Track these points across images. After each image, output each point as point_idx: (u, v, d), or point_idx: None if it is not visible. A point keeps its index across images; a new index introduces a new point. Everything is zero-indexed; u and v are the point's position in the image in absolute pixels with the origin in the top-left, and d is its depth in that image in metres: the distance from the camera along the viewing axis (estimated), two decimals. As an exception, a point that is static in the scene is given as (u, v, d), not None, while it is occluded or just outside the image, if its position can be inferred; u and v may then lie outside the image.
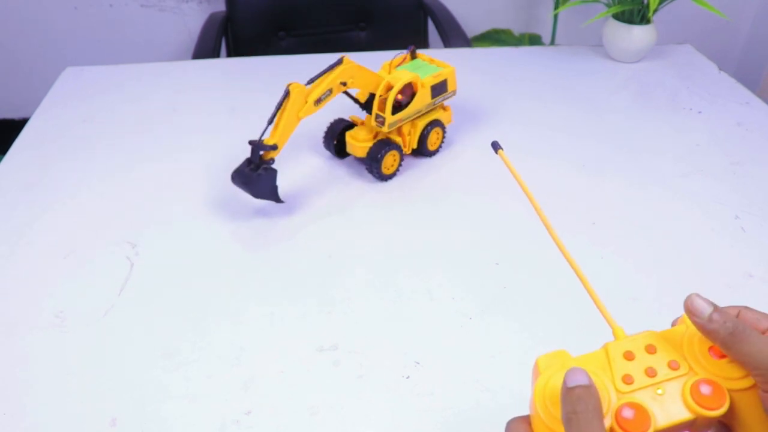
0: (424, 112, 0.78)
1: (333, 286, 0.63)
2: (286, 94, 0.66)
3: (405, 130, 0.78)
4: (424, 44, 1.61)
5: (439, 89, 0.79)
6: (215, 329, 0.59)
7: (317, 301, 0.61)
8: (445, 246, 0.68)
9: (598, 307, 0.33)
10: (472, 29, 1.82)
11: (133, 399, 0.52)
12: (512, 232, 0.70)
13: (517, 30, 1.86)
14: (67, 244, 0.69)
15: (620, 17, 1.06)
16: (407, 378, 0.54)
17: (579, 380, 0.28)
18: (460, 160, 0.83)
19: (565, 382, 0.28)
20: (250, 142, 0.67)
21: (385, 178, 0.78)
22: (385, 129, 0.74)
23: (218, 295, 0.62)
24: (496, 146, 0.40)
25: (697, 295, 0.30)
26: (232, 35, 1.50)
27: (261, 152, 0.67)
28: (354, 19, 1.55)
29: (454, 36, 1.38)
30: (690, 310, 0.30)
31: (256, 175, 0.67)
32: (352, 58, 1.13)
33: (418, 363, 0.55)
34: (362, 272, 0.65)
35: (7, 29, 1.80)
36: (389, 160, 0.77)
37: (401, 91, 0.74)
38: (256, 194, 0.69)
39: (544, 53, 1.14)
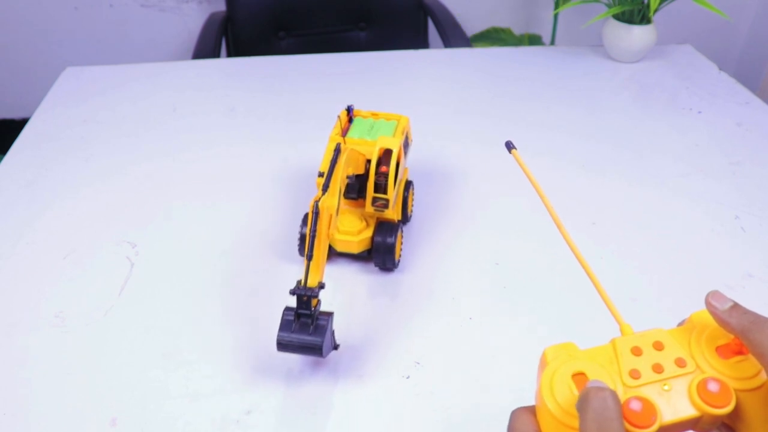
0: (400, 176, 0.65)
1: (333, 286, 0.63)
2: (317, 214, 0.50)
3: (390, 208, 0.62)
4: (424, 44, 1.61)
5: (406, 145, 0.66)
6: (215, 329, 0.59)
7: (317, 301, 0.61)
8: (445, 246, 0.68)
9: (607, 305, 0.33)
10: (472, 29, 1.82)
11: (133, 399, 0.52)
12: (512, 232, 0.70)
13: (517, 30, 1.86)
14: (67, 244, 0.69)
15: (620, 17, 1.06)
16: (407, 378, 0.54)
17: (603, 404, 0.26)
18: (459, 160, 0.83)
19: (588, 400, 0.27)
20: (293, 292, 0.49)
21: (397, 265, 0.64)
22: (390, 210, 0.61)
23: (218, 295, 0.62)
24: (509, 146, 0.41)
25: (718, 291, 0.31)
26: (232, 35, 1.50)
27: (310, 299, 0.50)
28: (354, 19, 1.56)
29: (454, 36, 1.39)
30: (711, 303, 0.31)
31: (319, 328, 0.50)
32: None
33: (418, 363, 0.55)
34: (362, 272, 0.65)
35: (7, 29, 1.81)
36: (399, 243, 0.64)
37: (384, 162, 0.60)
38: (326, 352, 0.50)
39: (544, 53, 1.14)
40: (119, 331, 0.59)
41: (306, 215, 0.63)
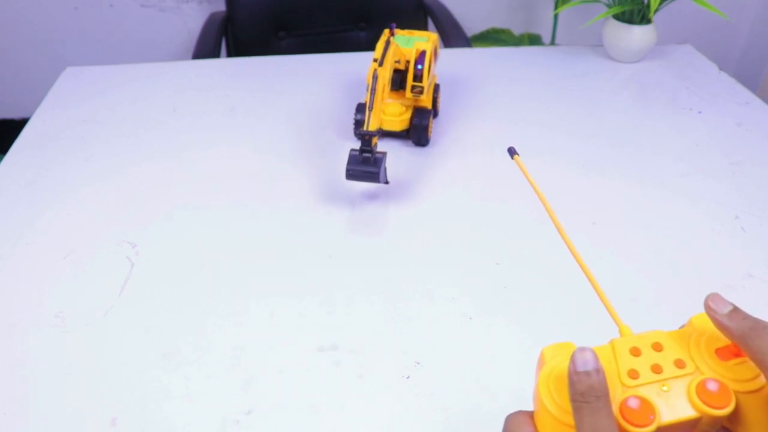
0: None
1: (333, 286, 0.63)
2: (376, 78, 0.70)
3: (424, 95, 0.84)
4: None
5: (435, 54, 0.86)
6: (215, 329, 0.59)
7: (317, 301, 0.61)
8: (446, 246, 0.68)
9: (606, 307, 0.33)
10: (471, 29, 1.82)
11: (133, 399, 0.52)
12: (512, 232, 0.70)
13: (516, 30, 1.86)
14: (67, 244, 0.69)
15: (620, 17, 1.06)
16: (407, 378, 0.54)
17: (588, 364, 0.27)
18: (460, 160, 0.83)
19: (573, 363, 0.28)
20: (360, 133, 0.67)
21: (428, 141, 0.85)
22: (425, 96, 0.81)
23: (218, 295, 0.62)
24: (512, 152, 0.41)
25: (718, 294, 0.31)
26: (232, 35, 1.50)
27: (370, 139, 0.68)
28: (354, 19, 1.55)
29: (454, 36, 1.39)
30: (710, 306, 0.30)
31: (378, 160, 0.67)
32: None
33: (418, 363, 0.55)
34: (362, 272, 0.65)
35: (7, 29, 1.81)
36: (430, 126, 0.84)
37: (418, 61, 0.80)
38: (382, 180, 0.69)
39: (544, 53, 1.14)
40: (119, 331, 0.59)
41: (358, 104, 0.84)
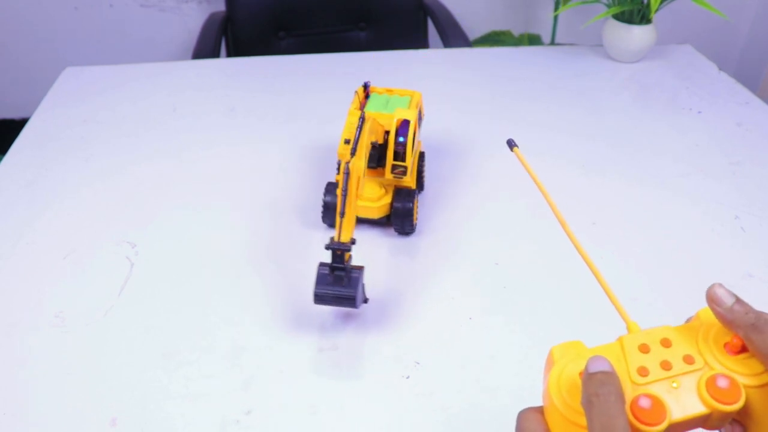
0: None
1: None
2: (348, 174, 0.55)
3: (407, 176, 0.69)
4: (424, 44, 1.61)
5: (419, 119, 0.71)
6: (215, 329, 0.59)
7: (317, 301, 0.61)
8: (445, 246, 0.68)
9: (613, 303, 0.33)
10: (471, 29, 1.82)
11: (133, 399, 0.52)
12: (512, 232, 0.70)
13: (516, 30, 1.86)
14: (67, 244, 0.69)
15: (620, 17, 1.06)
16: (407, 378, 0.54)
17: (601, 366, 0.28)
18: (459, 160, 0.83)
19: (587, 368, 0.28)
20: (329, 247, 0.53)
21: (414, 229, 0.69)
22: (408, 177, 0.66)
23: (218, 295, 0.62)
24: (511, 144, 0.41)
25: (720, 285, 0.30)
26: (232, 35, 1.50)
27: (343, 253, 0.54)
28: (354, 19, 1.55)
29: (453, 36, 1.39)
30: (712, 299, 0.30)
31: (353, 280, 0.53)
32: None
33: (418, 363, 0.55)
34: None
35: (7, 29, 1.81)
36: (415, 209, 0.68)
37: (400, 133, 0.65)
38: (359, 304, 0.55)
39: (544, 53, 1.14)
40: (119, 331, 0.59)
41: (328, 184, 0.68)
